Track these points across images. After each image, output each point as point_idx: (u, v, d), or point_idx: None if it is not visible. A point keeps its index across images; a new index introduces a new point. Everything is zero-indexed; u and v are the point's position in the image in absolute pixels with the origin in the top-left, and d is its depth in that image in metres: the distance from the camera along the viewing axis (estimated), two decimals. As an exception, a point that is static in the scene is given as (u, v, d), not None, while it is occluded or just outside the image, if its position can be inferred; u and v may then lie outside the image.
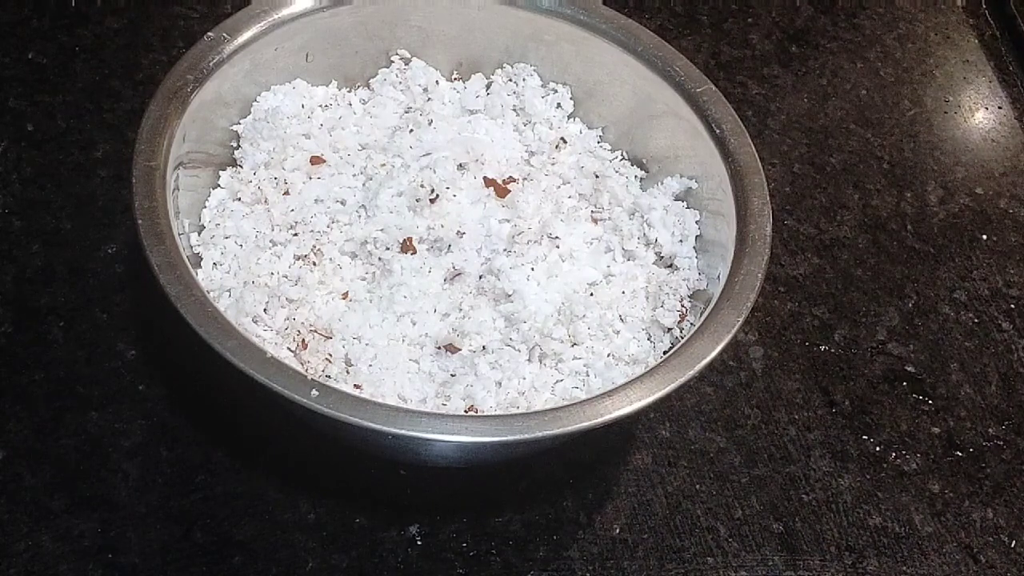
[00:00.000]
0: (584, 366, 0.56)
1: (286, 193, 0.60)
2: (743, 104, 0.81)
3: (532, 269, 0.58)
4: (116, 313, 0.63)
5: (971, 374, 0.69)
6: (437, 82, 0.67)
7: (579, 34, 0.65)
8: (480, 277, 0.59)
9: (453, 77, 0.68)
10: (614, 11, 0.65)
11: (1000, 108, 0.86)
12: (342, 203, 0.61)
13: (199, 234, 0.59)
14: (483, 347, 0.56)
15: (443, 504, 0.59)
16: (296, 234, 0.59)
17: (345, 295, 0.57)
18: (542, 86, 0.67)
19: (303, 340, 0.55)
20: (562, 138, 0.65)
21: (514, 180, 0.62)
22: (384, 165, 0.62)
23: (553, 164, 0.64)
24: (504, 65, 0.67)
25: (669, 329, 0.59)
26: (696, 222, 0.62)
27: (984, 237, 0.77)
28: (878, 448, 0.65)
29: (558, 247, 0.59)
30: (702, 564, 0.59)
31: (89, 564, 0.54)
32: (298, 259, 0.58)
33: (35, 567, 0.54)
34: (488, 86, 0.67)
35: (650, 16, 0.85)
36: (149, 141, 0.55)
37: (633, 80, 0.64)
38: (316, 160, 0.62)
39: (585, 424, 0.49)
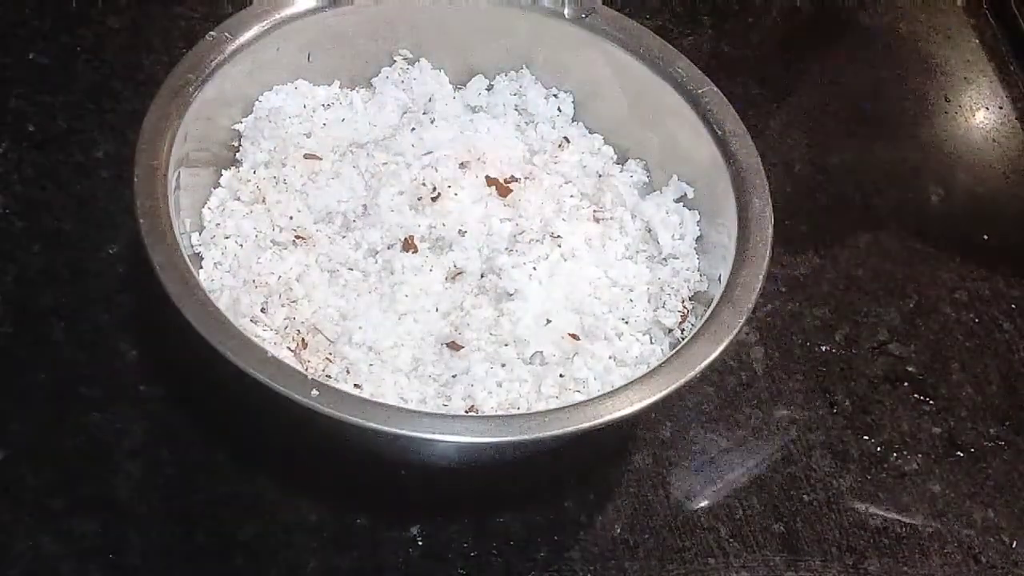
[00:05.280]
0: (585, 367, 0.56)
1: (286, 192, 0.60)
2: (744, 104, 0.80)
3: (534, 268, 0.58)
4: (117, 313, 0.63)
5: (972, 374, 0.69)
6: (439, 82, 0.67)
7: (580, 35, 0.65)
8: (481, 276, 0.59)
9: (455, 79, 0.68)
10: (615, 11, 0.65)
11: (1000, 108, 0.86)
12: (343, 202, 0.60)
13: (200, 234, 0.59)
14: (484, 347, 0.56)
15: (444, 504, 0.59)
16: (297, 234, 0.59)
17: (345, 294, 0.57)
18: (544, 87, 0.67)
19: (303, 340, 0.55)
20: (565, 137, 0.65)
21: (516, 179, 0.62)
22: (386, 164, 0.62)
23: (556, 163, 0.64)
24: (505, 71, 0.67)
25: (670, 330, 0.59)
26: (697, 223, 0.62)
27: (985, 237, 0.77)
28: (879, 448, 0.65)
29: (560, 246, 0.59)
30: (703, 565, 0.59)
31: (90, 565, 0.54)
32: (298, 258, 0.58)
33: (36, 568, 0.54)
34: (490, 86, 0.67)
35: (650, 16, 0.85)
36: (150, 140, 0.55)
37: (634, 81, 0.64)
38: (315, 159, 0.62)
39: (586, 424, 0.49)
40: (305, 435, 0.56)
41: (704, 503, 0.61)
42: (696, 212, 0.62)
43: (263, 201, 0.60)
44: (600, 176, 0.64)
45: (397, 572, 0.56)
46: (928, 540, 0.62)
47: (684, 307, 0.59)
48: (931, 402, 0.68)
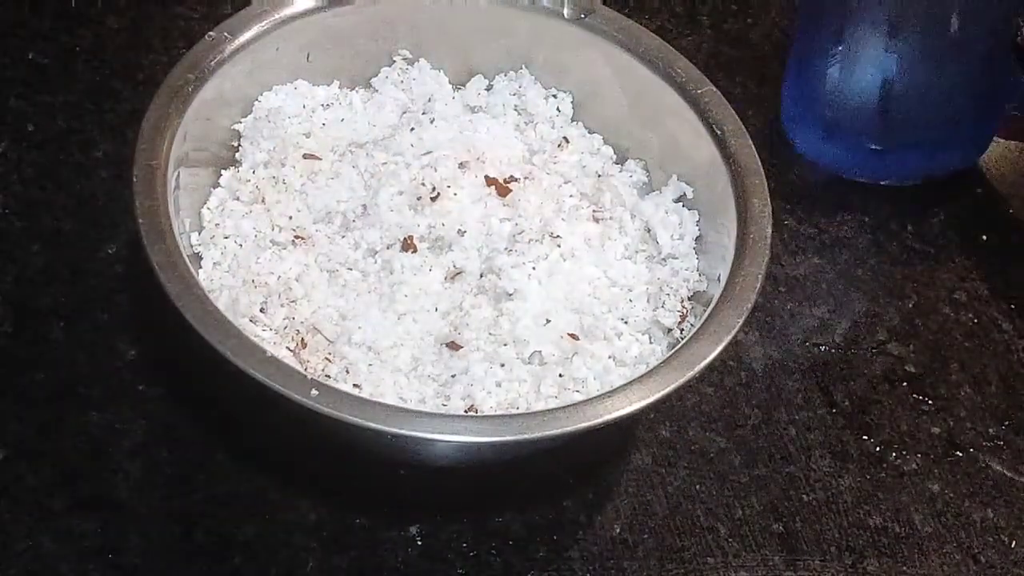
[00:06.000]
0: (584, 367, 0.56)
1: (285, 192, 0.60)
2: (744, 104, 0.80)
3: (533, 268, 0.58)
4: (117, 313, 0.63)
5: (971, 374, 0.69)
6: (438, 82, 0.67)
7: (579, 35, 0.65)
8: (481, 276, 0.59)
9: (454, 80, 0.68)
10: (614, 11, 0.65)
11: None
12: (342, 202, 0.61)
13: (199, 234, 0.59)
14: (483, 347, 0.56)
15: (443, 504, 0.59)
16: (296, 234, 0.59)
17: (345, 294, 0.57)
18: (543, 87, 0.67)
19: (302, 339, 0.55)
20: (564, 137, 0.65)
21: (515, 179, 0.62)
22: (385, 164, 0.62)
23: (555, 163, 0.64)
24: (505, 72, 0.67)
25: (670, 330, 0.59)
26: (696, 223, 0.62)
27: (984, 237, 0.77)
28: (878, 448, 0.65)
29: (559, 246, 0.59)
30: (702, 564, 0.59)
31: (90, 564, 0.54)
32: (297, 258, 0.58)
33: (35, 567, 0.54)
34: (489, 86, 0.67)
35: (650, 16, 0.85)
36: (150, 140, 0.55)
37: (634, 81, 0.64)
38: (315, 158, 0.62)
39: (585, 424, 0.49)
40: (305, 435, 0.56)
41: (703, 503, 0.61)
42: (695, 212, 0.62)
43: (262, 201, 0.60)
44: (599, 176, 0.64)
45: (396, 572, 0.56)
46: (927, 540, 0.62)
47: (683, 307, 0.59)
48: (930, 402, 0.68)
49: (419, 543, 0.57)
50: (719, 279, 0.56)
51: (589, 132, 0.67)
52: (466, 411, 0.54)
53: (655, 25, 0.84)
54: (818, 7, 0.74)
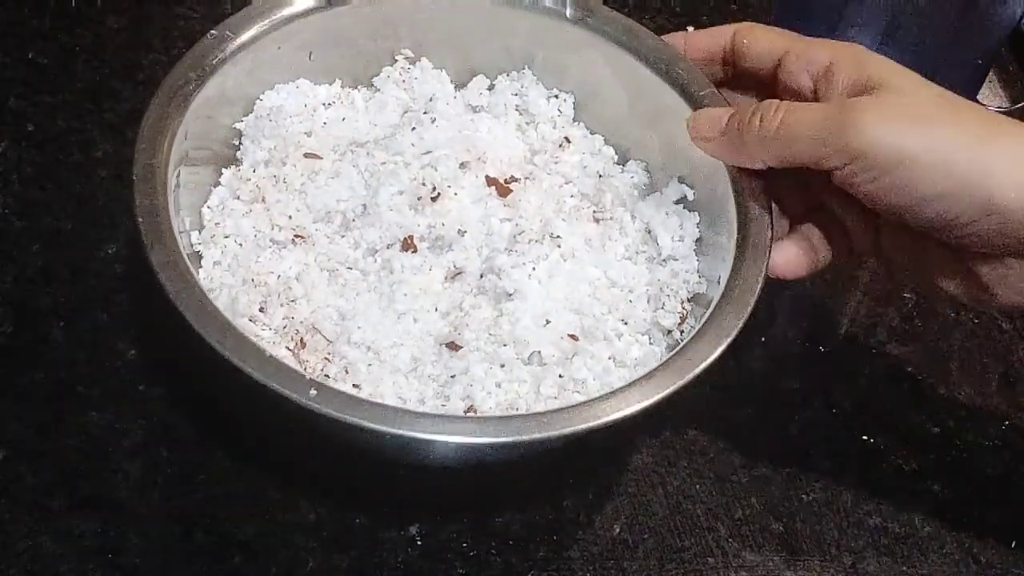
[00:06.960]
0: (584, 368, 0.56)
1: (286, 191, 0.60)
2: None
3: (533, 268, 0.58)
4: (116, 313, 0.63)
5: (971, 374, 0.69)
6: (440, 82, 0.67)
7: (581, 35, 0.65)
8: (481, 276, 0.59)
9: (456, 79, 0.68)
10: (615, 11, 0.65)
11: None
12: (342, 201, 0.61)
13: (199, 232, 0.59)
14: (483, 347, 0.56)
15: (443, 504, 0.59)
16: (296, 233, 0.59)
17: (345, 294, 0.57)
18: (545, 88, 0.67)
19: (302, 339, 0.55)
20: (565, 137, 0.65)
21: (516, 179, 0.62)
22: (385, 163, 0.62)
23: (556, 163, 0.64)
24: (507, 72, 0.67)
25: (669, 331, 0.59)
26: (696, 225, 0.62)
27: (984, 237, 0.77)
28: (878, 448, 0.65)
29: (559, 247, 0.59)
30: (702, 564, 0.59)
31: (89, 564, 0.54)
32: (297, 257, 0.58)
33: (35, 567, 0.54)
34: (491, 86, 0.67)
35: (650, 16, 0.85)
36: (150, 139, 0.55)
37: (635, 82, 0.64)
38: (315, 157, 0.62)
39: (585, 426, 0.49)
40: (304, 435, 0.56)
41: (703, 503, 0.61)
42: (696, 214, 0.62)
43: (263, 200, 0.60)
44: (600, 177, 0.64)
45: (396, 572, 0.56)
46: (927, 540, 0.62)
47: (683, 308, 0.59)
48: (930, 402, 0.68)
49: (419, 543, 0.57)
50: (719, 281, 0.56)
51: (590, 132, 0.67)
52: (466, 411, 0.54)
53: (655, 25, 0.84)
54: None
